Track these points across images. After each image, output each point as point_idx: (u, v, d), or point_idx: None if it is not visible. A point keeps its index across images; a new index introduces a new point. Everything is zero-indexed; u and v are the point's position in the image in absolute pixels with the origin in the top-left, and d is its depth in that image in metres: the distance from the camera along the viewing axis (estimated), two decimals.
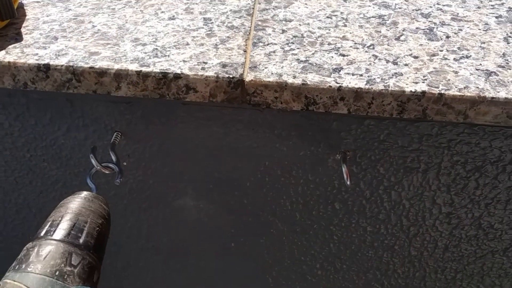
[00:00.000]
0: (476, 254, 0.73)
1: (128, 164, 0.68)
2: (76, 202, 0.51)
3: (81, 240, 0.46)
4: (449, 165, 0.63)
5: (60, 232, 0.46)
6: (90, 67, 0.54)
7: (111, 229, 0.78)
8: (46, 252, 0.43)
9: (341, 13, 0.65)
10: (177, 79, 0.54)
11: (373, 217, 0.70)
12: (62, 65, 0.54)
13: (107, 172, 0.61)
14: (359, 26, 0.63)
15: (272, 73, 0.54)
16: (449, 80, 0.54)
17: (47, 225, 0.47)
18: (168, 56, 0.56)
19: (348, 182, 0.59)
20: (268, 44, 0.59)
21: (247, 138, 0.63)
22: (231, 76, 0.53)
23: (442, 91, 0.52)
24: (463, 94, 0.52)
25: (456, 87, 0.53)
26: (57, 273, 0.42)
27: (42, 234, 0.46)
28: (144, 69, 0.54)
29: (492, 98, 0.52)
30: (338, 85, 0.53)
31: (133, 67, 0.54)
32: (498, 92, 0.52)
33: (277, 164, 0.66)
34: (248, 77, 0.54)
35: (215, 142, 0.64)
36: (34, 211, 0.80)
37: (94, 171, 0.61)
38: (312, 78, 0.53)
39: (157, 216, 0.75)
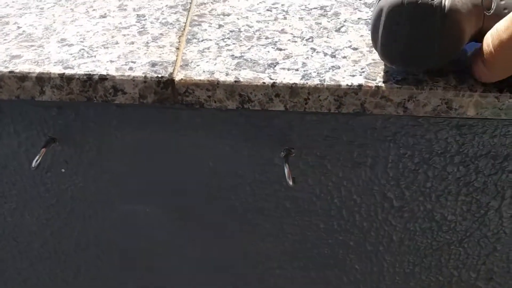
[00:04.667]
0: (432, 246, 0.72)
1: (66, 170, 0.65)
2: None
3: None
4: (396, 158, 0.61)
5: None
6: (10, 72, 0.51)
7: (57, 238, 0.75)
8: None
9: (282, 5, 0.63)
10: (103, 81, 0.51)
11: (324, 214, 0.69)
12: None
13: None
14: (299, 18, 0.60)
15: (204, 71, 0.52)
16: (387, 72, 0.52)
17: None
18: (95, 56, 0.53)
19: (290, 182, 0.57)
20: (202, 41, 0.56)
21: (187, 138, 0.61)
22: (160, 75, 0.51)
23: (379, 84, 0.51)
24: (400, 86, 0.50)
25: (394, 79, 0.51)
26: None
27: None
28: (67, 71, 0.51)
29: (430, 89, 0.50)
30: (272, 81, 0.51)
31: (56, 69, 0.51)
32: (437, 82, 0.51)
33: (222, 165, 0.64)
34: (178, 76, 0.51)
35: (155, 145, 0.62)
36: None
37: None
38: (245, 75, 0.51)
39: (103, 223, 0.72)
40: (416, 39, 0.47)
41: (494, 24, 0.47)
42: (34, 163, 0.57)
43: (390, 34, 0.47)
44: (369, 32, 0.58)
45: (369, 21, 0.60)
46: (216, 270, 0.78)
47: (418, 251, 0.73)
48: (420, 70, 0.51)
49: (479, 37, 0.49)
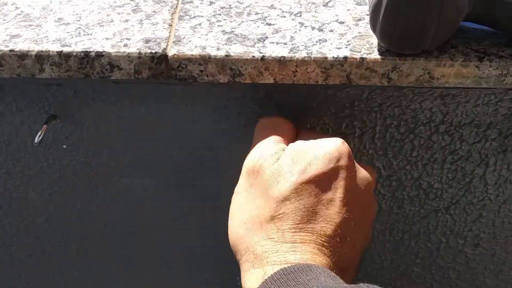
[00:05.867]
0: (420, 213, 0.75)
1: (68, 147, 0.68)
2: None
3: None
4: (383, 129, 0.64)
5: None
6: (10, 50, 0.53)
7: (61, 212, 0.78)
8: None
9: None
10: (100, 58, 0.53)
11: None
12: None
13: None
14: None
15: (195, 46, 0.54)
16: (372, 44, 0.54)
17: None
18: (91, 34, 0.55)
19: None
20: (194, 17, 0.59)
21: (182, 113, 0.63)
22: (153, 51, 0.53)
23: (364, 55, 0.53)
24: (384, 57, 0.53)
25: (378, 51, 0.53)
26: None
27: None
28: (65, 49, 0.53)
29: (413, 59, 0.52)
30: (261, 54, 0.53)
31: (54, 47, 0.54)
32: (419, 53, 0.53)
33: (217, 138, 0.66)
34: (171, 51, 0.53)
35: (151, 120, 0.64)
36: None
37: None
38: (236, 49, 0.53)
39: (104, 197, 0.75)
40: (415, 23, 0.48)
41: (484, 6, 0.49)
42: (36, 139, 0.60)
43: (390, 19, 0.49)
44: (356, 6, 0.60)
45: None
46: (214, 240, 0.81)
47: (406, 218, 0.76)
48: (414, 52, 0.52)
49: (467, 19, 0.52)
